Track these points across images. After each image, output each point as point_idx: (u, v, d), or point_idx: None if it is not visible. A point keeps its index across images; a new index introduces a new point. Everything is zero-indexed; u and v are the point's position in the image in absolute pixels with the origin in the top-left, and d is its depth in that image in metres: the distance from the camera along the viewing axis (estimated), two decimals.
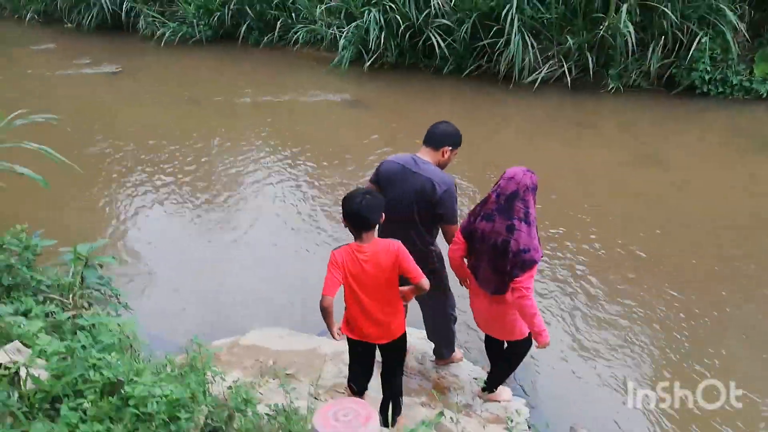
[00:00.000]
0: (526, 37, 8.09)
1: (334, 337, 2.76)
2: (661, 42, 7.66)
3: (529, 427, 3.09)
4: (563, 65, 8.12)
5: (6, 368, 2.31)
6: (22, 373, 2.30)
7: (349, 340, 2.85)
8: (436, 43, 8.72)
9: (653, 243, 4.86)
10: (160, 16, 11.97)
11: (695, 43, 7.47)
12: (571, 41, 7.97)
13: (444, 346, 3.47)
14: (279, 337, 3.72)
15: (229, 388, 2.59)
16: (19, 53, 12.15)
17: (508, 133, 7.67)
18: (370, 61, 9.31)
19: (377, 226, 2.60)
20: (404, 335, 2.86)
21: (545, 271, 4.49)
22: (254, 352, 3.62)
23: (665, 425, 3.24)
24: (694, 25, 7.54)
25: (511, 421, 2.80)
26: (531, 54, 8.15)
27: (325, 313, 2.62)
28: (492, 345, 3.18)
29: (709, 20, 7.50)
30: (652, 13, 7.63)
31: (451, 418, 2.62)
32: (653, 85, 7.93)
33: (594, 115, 7.73)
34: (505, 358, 3.16)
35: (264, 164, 6.67)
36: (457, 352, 3.60)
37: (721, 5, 7.34)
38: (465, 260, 2.93)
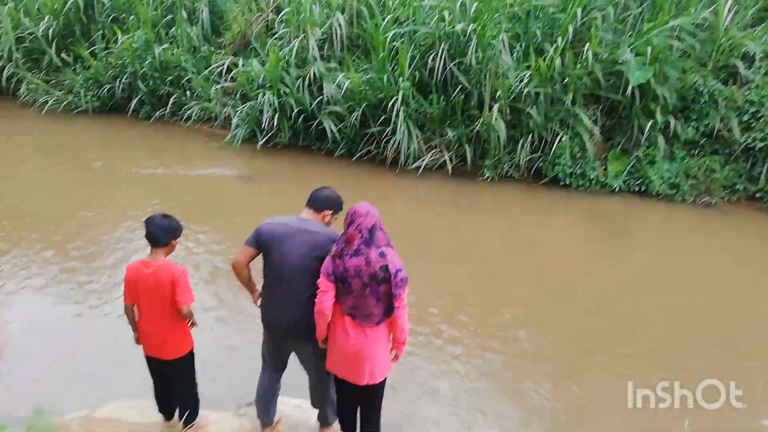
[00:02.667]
0: (411, 128, 8.69)
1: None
2: (529, 138, 8.51)
3: None
4: (444, 154, 8.75)
5: None
6: None
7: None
8: (328, 128, 9.10)
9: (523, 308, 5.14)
10: (43, 84, 11.49)
11: (557, 141, 8.37)
12: (450, 134, 8.66)
13: (329, 410, 3.36)
14: (137, 410, 3.43)
15: None
16: None
17: (394, 210, 7.99)
18: (263, 140, 9.49)
19: (166, 246, 3.06)
20: (184, 358, 3.21)
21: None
22: (110, 426, 3.30)
23: None
24: (556, 125, 8.49)
25: None
26: (416, 143, 8.73)
27: (128, 317, 3.20)
28: (362, 392, 3.11)
29: (568, 123, 8.49)
30: (520, 113, 8.50)
31: None
32: (523, 176, 8.71)
33: (472, 198, 8.31)
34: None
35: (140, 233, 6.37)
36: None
37: (578, 111, 8.36)
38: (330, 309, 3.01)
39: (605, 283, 5.99)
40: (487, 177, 8.60)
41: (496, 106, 8.44)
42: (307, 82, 9.36)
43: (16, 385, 3.83)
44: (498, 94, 8.43)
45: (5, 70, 11.81)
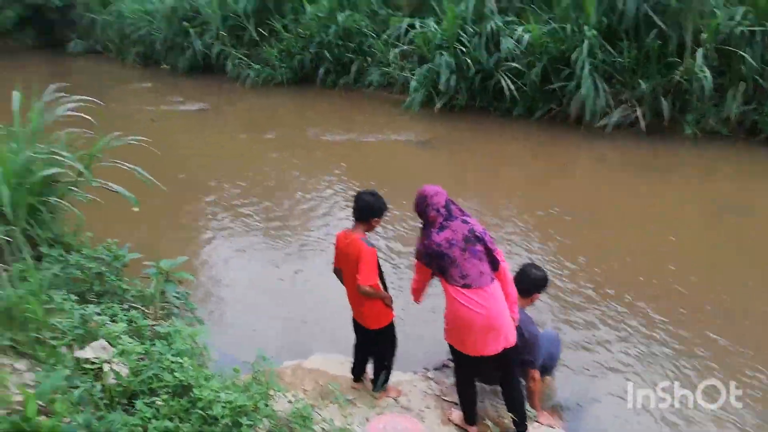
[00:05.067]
0: (598, 81, 8.07)
1: None
2: (741, 87, 7.40)
3: None
4: (636, 110, 8.00)
5: (92, 363, 2.55)
6: (105, 368, 2.54)
7: None
8: (506, 86, 8.83)
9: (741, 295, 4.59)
10: (245, 59, 12.79)
11: None
12: (644, 86, 7.89)
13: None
14: (340, 363, 3.80)
15: (290, 402, 2.70)
16: (122, 90, 13.33)
17: (578, 175, 7.63)
18: (440, 103, 9.55)
19: (365, 223, 3.19)
20: (381, 331, 3.30)
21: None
22: (315, 376, 3.73)
23: None
24: None
25: None
26: (603, 98, 8.11)
27: (338, 278, 3.42)
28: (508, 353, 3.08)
29: None
30: (730, 58, 7.41)
31: None
32: (733, 132, 7.64)
33: (670, 160, 7.54)
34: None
35: (336, 199, 6.89)
36: None
37: None
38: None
39: None
40: (689, 134, 7.70)
41: (700, 51, 7.48)
42: (484, 39, 9.15)
43: (240, 335, 4.46)
44: (703, 36, 7.41)
45: (213, 48, 13.36)
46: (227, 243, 6.06)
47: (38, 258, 3.58)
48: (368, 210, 3.18)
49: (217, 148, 9.33)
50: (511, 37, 8.87)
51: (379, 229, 6.03)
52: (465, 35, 9.36)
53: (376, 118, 10.12)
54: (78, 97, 4.23)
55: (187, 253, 5.12)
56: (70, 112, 4.13)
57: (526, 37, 8.62)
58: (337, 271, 3.40)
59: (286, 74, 12.28)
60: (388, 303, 3.29)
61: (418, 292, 3.23)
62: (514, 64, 8.87)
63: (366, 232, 3.24)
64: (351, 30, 11.20)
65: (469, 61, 9.18)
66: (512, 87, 8.87)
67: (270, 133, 9.91)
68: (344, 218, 6.44)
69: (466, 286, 2.91)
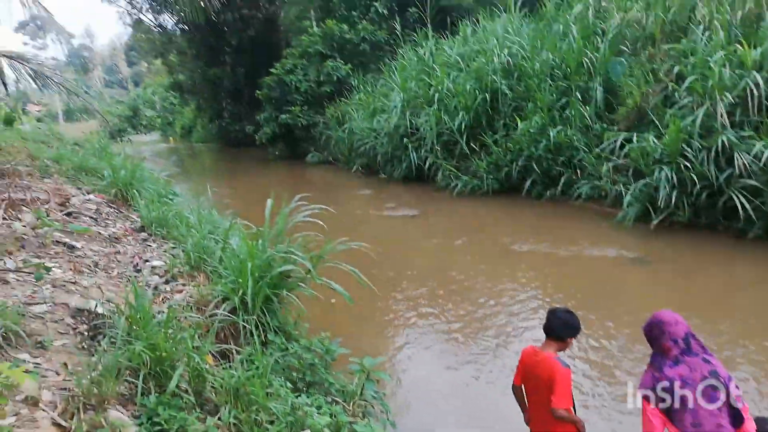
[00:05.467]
0: None
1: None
2: None
3: None
4: None
5: None
6: None
7: None
8: (739, 205, 7.91)
9: None
10: (454, 170, 13.58)
11: None
12: None
13: None
14: None
15: None
16: (347, 195, 15.04)
17: None
18: (658, 219, 8.90)
19: (560, 341, 3.08)
20: None
21: None
22: None
23: None
24: None
25: None
26: None
27: (515, 395, 3.35)
28: None
29: None
30: None
31: None
32: None
33: None
34: None
35: (533, 315, 6.67)
36: None
37: None
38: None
39: None
40: None
41: None
42: (713, 154, 8.42)
43: None
44: None
45: (428, 161, 14.46)
46: (422, 348, 6.19)
47: (264, 343, 4.10)
48: (564, 327, 3.08)
49: (420, 251, 9.84)
50: (748, 153, 8.03)
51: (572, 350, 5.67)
52: (690, 150, 8.73)
53: (583, 231, 9.74)
54: (315, 206, 4.92)
55: (382, 351, 5.38)
56: (308, 219, 4.82)
57: (767, 152, 7.73)
58: (516, 389, 3.29)
59: (493, 184, 12.66)
60: (580, 428, 3.07)
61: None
62: (750, 182, 7.95)
63: (559, 351, 3.10)
64: (562, 144, 11.25)
65: (694, 176, 8.49)
66: (747, 206, 7.89)
67: (471, 239, 10.16)
68: (524, 328, 6.21)
69: (698, 428, 2.58)
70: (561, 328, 3.09)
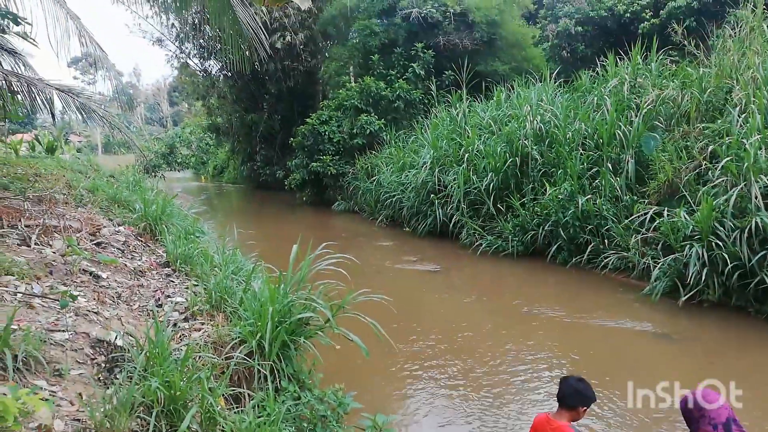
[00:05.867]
0: None
1: None
2: None
3: None
4: None
5: None
6: None
7: None
8: None
9: None
10: (480, 229, 13.55)
11: None
12: None
13: None
14: None
15: None
16: (368, 246, 15.04)
17: None
18: (686, 296, 8.65)
19: (572, 410, 3.03)
20: None
21: None
22: None
23: None
24: None
25: None
26: None
27: None
28: None
29: None
30: None
31: None
32: None
33: None
34: None
35: (549, 385, 6.48)
36: None
37: None
38: None
39: None
40: None
41: None
42: (746, 234, 8.26)
43: None
44: None
45: (453, 218, 14.48)
46: (431, 404, 6.09)
47: (276, 390, 4.04)
48: (576, 396, 3.04)
49: (441, 308, 9.72)
50: None
51: (586, 419, 5.47)
52: (722, 229, 8.60)
53: (608, 302, 9.53)
54: (338, 255, 4.95)
55: (395, 407, 5.26)
56: (330, 266, 4.84)
57: None
58: None
59: (518, 247, 12.57)
60: None
61: None
62: None
63: (572, 420, 3.03)
64: (590, 212, 11.19)
65: (726, 255, 8.32)
66: None
67: (490, 299, 10.03)
68: (538, 398, 6.02)
69: None
70: (572, 396, 3.05)
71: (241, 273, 6.30)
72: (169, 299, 5.55)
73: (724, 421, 2.57)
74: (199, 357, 3.88)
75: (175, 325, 4.73)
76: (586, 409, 3.07)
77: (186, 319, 5.02)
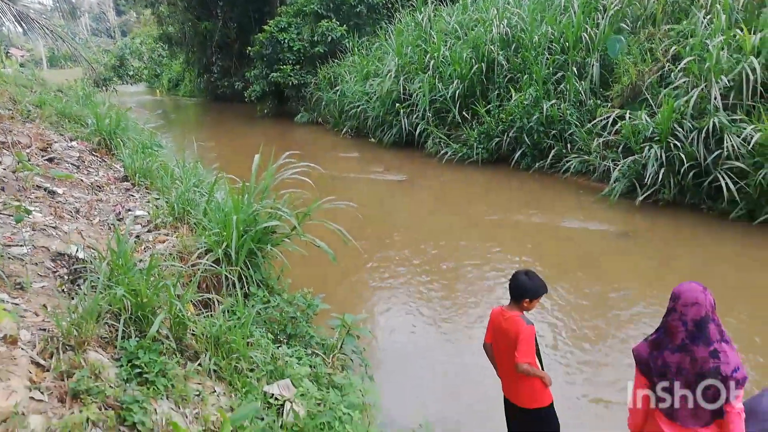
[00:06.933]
0: None
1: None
2: None
3: None
4: None
5: (276, 399, 2.80)
6: (287, 406, 2.75)
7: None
8: (725, 186, 8.00)
9: None
10: (445, 138, 13.52)
11: None
12: None
13: None
14: None
15: None
16: (334, 158, 14.93)
17: None
18: (643, 196, 8.96)
19: (518, 303, 3.20)
20: (538, 413, 3.20)
21: None
22: None
23: None
24: None
25: None
26: None
27: (486, 353, 3.48)
28: None
29: None
30: None
31: None
32: None
33: None
34: None
35: (505, 276, 6.77)
36: None
37: None
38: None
39: None
40: None
41: None
42: (703, 135, 8.46)
43: (404, 400, 4.55)
44: None
45: (419, 127, 14.36)
46: (398, 305, 6.35)
47: (246, 295, 4.11)
48: (522, 290, 3.17)
49: (407, 216, 9.89)
50: (738, 136, 8.09)
51: (548, 312, 5.80)
52: (681, 130, 8.78)
53: (569, 204, 9.82)
54: (303, 163, 4.88)
55: (363, 309, 5.45)
56: (294, 176, 4.78)
57: (756, 136, 7.79)
58: (487, 347, 3.42)
59: (482, 154, 12.64)
60: (546, 382, 3.20)
61: (636, 412, 2.72)
62: (737, 164, 8.03)
63: (524, 311, 3.22)
64: (554, 117, 11.22)
65: (683, 156, 8.55)
66: (732, 187, 7.99)
67: (456, 207, 10.20)
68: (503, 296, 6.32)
69: (669, 416, 2.55)
70: (520, 289, 3.18)
71: (203, 185, 6.20)
72: (130, 213, 5.45)
73: (698, 318, 2.44)
74: (167, 266, 3.88)
75: (138, 237, 4.68)
76: (535, 301, 3.20)
77: (149, 231, 4.97)
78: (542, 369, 3.29)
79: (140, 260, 3.91)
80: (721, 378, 2.38)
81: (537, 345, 3.25)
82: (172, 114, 29.92)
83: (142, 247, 4.49)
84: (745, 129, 8.08)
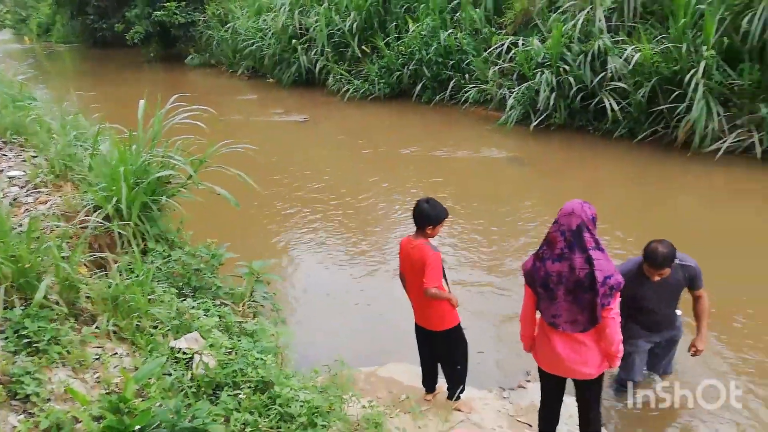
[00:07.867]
0: (712, 104, 7.54)
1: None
2: None
3: None
4: (753, 135, 7.41)
5: (184, 353, 2.73)
6: (196, 359, 2.71)
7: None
8: (609, 106, 8.51)
9: None
10: (346, 74, 13.25)
11: None
12: (765, 110, 7.25)
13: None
14: (414, 373, 3.83)
15: (364, 407, 2.75)
16: (231, 101, 14.25)
17: (684, 201, 7.12)
18: (536, 121, 9.35)
19: (422, 230, 3.27)
20: (448, 333, 3.39)
21: None
22: (389, 384, 3.77)
23: None
24: None
25: None
26: (716, 121, 7.56)
27: (402, 283, 3.57)
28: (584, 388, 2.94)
29: None
30: None
31: None
32: None
33: None
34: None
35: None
36: None
37: None
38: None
39: None
40: None
41: None
42: (589, 58, 8.87)
43: (318, 340, 4.62)
44: None
45: (318, 64, 13.94)
46: (311, 248, 6.33)
47: (144, 252, 3.91)
48: (424, 218, 3.24)
49: (311, 157, 9.75)
50: (620, 57, 8.55)
51: (452, 238, 6.06)
52: (570, 54, 9.14)
53: (468, 134, 10.10)
54: (195, 106, 4.59)
55: (272, 254, 5.40)
56: (186, 121, 4.50)
57: (636, 56, 8.26)
58: (401, 275, 3.51)
59: (384, 89, 12.56)
60: (453, 304, 3.36)
61: (526, 322, 2.94)
62: (619, 84, 8.53)
63: (429, 238, 3.30)
64: (452, 48, 11.28)
65: (571, 79, 8.95)
66: (615, 107, 8.52)
67: (360, 145, 10.18)
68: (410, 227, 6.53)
69: (552, 325, 2.77)
70: (421, 217, 3.24)
71: (86, 138, 5.71)
72: (3, 174, 4.95)
73: (574, 228, 2.58)
74: (50, 228, 3.60)
75: (15, 200, 4.28)
76: (438, 227, 3.27)
77: (28, 193, 4.55)
78: (449, 292, 3.41)
79: (20, 224, 3.59)
80: (596, 284, 2.55)
81: (443, 270, 3.36)
82: (46, 63, 26.99)
83: (21, 210, 4.12)
84: (626, 50, 8.53)
